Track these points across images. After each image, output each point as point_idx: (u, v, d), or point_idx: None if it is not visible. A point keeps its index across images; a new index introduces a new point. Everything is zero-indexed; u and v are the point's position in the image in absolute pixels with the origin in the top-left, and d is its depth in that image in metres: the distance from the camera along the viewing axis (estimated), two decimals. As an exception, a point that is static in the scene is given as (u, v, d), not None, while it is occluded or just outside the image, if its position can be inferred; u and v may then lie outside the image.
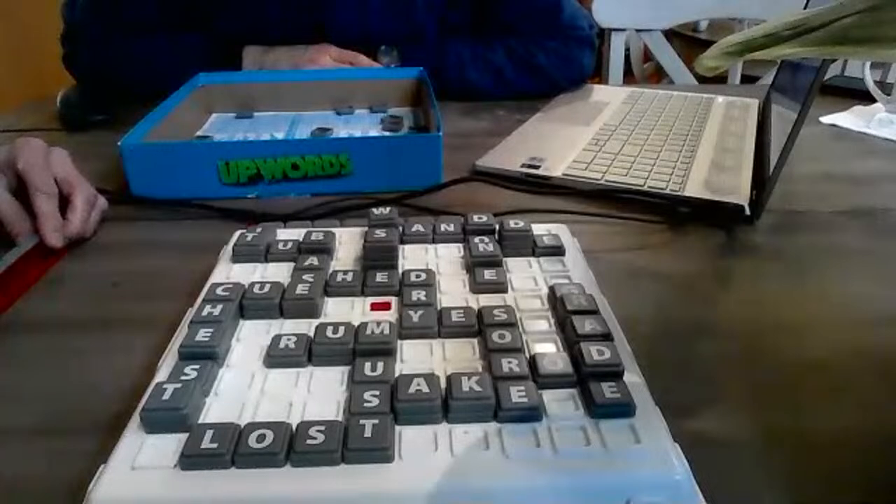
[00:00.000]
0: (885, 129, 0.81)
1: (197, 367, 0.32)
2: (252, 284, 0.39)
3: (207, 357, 0.33)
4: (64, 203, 0.52)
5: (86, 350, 0.40)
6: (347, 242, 0.46)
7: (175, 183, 0.59)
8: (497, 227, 0.46)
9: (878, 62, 0.96)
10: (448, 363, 0.34)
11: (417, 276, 0.40)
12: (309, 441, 0.28)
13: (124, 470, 0.28)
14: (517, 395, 0.30)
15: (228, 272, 0.43)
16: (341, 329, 0.35)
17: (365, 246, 0.43)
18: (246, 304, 0.38)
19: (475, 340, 0.36)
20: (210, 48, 0.86)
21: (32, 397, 0.36)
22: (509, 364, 0.32)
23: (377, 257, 0.42)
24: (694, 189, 0.60)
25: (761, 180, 0.58)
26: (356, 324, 0.36)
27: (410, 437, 0.29)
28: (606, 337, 0.35)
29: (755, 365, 0.39)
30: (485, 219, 0.47)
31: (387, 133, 0.75)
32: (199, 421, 0.30)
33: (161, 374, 0.33)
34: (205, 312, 0.36)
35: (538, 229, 0.46)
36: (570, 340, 0.35)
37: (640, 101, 0.91)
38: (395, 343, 0.35)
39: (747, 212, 0.55)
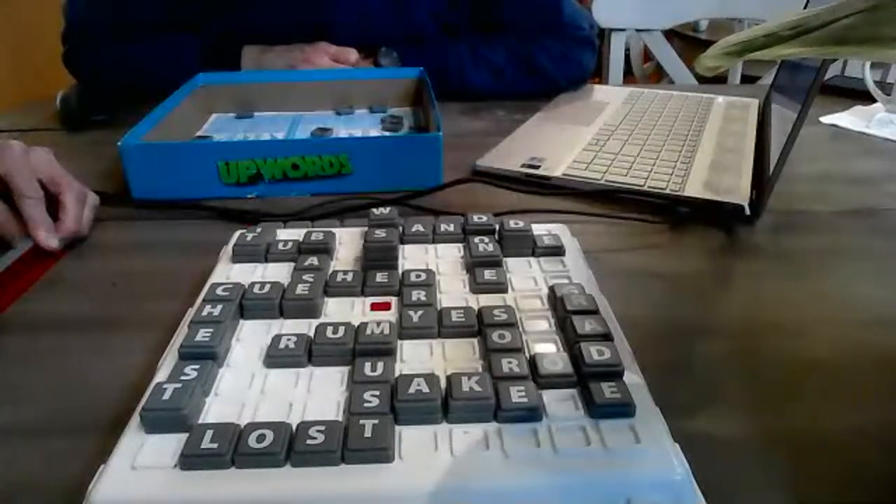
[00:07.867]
0: (885, 129, 0.81)
1: (197, 367, 0.32)
2: (252, 284, 0.39)
3: (207, 357, 0.33)
4: (54, 203, 0.51)
5: (86, 350, 0.40)
6: (347, 242, 0.46)
7: (175, 183, 0.59)
8: (497, 227, 0.46)
9: (878, 62, 0.96)
10: (448, 363, 0.34)
11: (417, 277, 0.40)
12: (309, 441, 0.28)
13: (124, 470, 0.28)
14: (517, 395, 0.30)
15: (228, 272, 0.43)
16: (341, 329, 0.35)
17: (365, 246, 0.43)
18: (246, 305, 0.38)
19: (475, 340, 0.36)
20: (209, 48, 0.86)
21: (32, 397, 0.36)
22: (509, 364, 0.32)
23: (377, 257, 0.42)
24: (694, 189, 0.60)
25: (761, 180, 0.58)
26: (356, 324, 0.36)
27: (410, 438, 0.29)
28: (606, 337, 0.35)
29: (755, 365, 0.39)
30: (485, 219, 0.47)
31: (387, 133, 0.75)
32: (199, 421, 0.30)
33: (161, 374, 0.33)
34: (205, 312, 0.36)
35: (538, 229, 0.46)
36: (570, 340, 0.35)
37: (640, 101, 0.91)
38: (395, 343, 0.35)
39: (747, 212, 0.55)
